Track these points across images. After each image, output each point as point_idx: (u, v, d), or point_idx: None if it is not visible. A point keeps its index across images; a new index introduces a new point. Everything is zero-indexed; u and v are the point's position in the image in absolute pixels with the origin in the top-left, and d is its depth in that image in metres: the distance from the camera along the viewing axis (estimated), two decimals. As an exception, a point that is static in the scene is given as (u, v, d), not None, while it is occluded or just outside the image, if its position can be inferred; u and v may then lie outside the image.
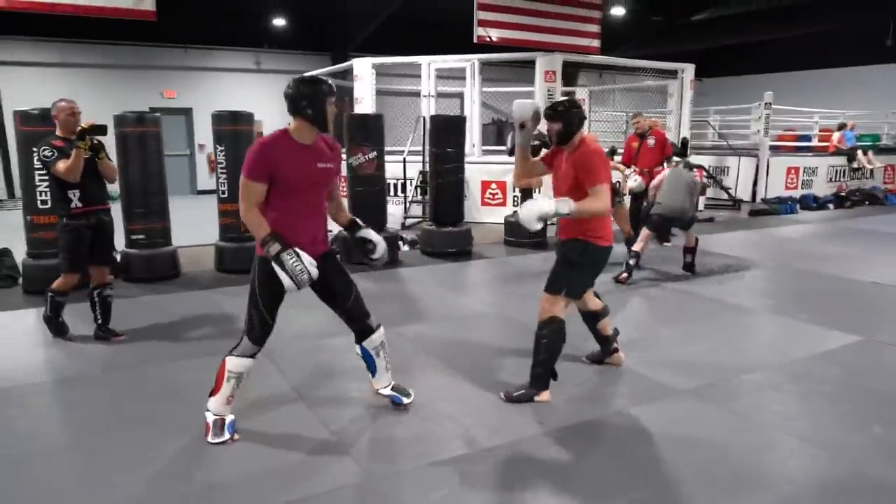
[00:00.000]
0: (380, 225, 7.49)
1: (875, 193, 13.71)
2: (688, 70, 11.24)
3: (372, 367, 3.58)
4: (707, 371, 4.19)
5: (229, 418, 3.28)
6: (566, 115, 3.69)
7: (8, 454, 3.14)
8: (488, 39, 9.81)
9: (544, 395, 3.72)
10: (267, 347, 4.56)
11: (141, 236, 6.60)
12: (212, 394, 3.29)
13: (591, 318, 4.14)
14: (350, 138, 7.46)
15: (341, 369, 4.23)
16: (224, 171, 6.92)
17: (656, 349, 4.64)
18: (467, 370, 4.20)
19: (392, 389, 3.64)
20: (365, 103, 10.92)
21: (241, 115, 6.99)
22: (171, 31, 14.55)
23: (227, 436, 3.23)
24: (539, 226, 3.55)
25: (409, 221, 9.98)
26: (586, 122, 11.47)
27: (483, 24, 9.70)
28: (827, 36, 16.33)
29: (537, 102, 3.92)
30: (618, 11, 14.63)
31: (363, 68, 10.92)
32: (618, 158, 8.53)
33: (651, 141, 8.36)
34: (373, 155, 7.31)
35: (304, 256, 2.95)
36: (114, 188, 8.99)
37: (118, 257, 6.63)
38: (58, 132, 4.54)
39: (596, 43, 10.64)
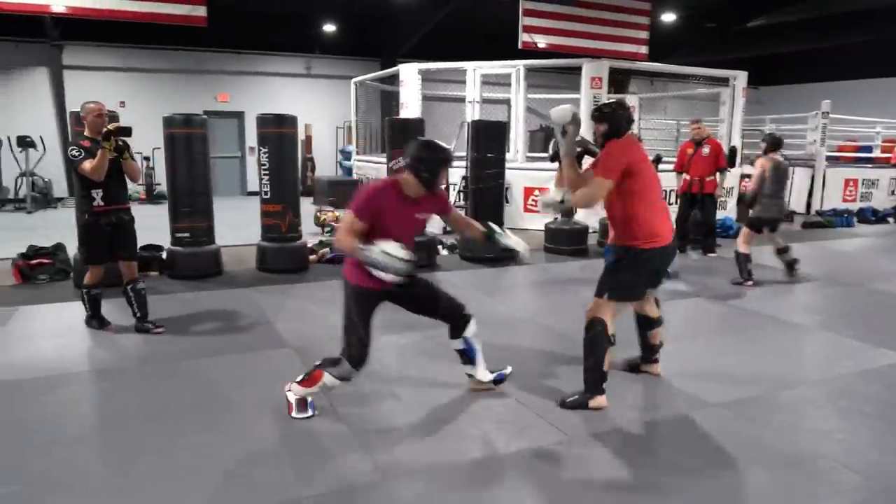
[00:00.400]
0: (418, 229, 7.51)
1: (940, 208, 13.10)
2: (740, 77, 10.96)
3: (473, 357, 3.73)
4: (744, 385, 4.05)
5: (310, 398, 3.51)
6: (612, 116, 3.66)
7: (35, 439, 3.27)
8: (534, 45, 9.75)
9: (599, 401, 3.61)
10: (299, 344, 4.67)
11: (186, 234, 6.78)
12: (300, 382, 3.46)
13: (645, 324, 4.05)
14: (391, 142, 7.52)
15: (368, 370, 4.25)
16: (267, 172, 7.06)
17: (693, 360, 4.52)
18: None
19: (492, 372, 3.81)
20: (410, 108, 11.01)
21: (286, 118, 7.12)
22: (225, 36, 14.95)
23: (310, 412, 3.48)
24: (549, 211, 3.70)
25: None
26: (637, 129, 11.29)
27: (528, 30, 9.65)
28: (890, 43, 15.69)
29: (574, 107, 3.87)
30: (669, 17, 14.36)
31: (409, 74, 11.02)
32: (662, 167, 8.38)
33: (706, 149, 8.22)
34: (413, 159, 7.33)
35: (391, 247, 3.04)
36: (161, 189, 9.22)
37: (164, 255, 6.88)
38: (86, 132, 4.73)
39: (644, 49, 10.47)
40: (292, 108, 17.04)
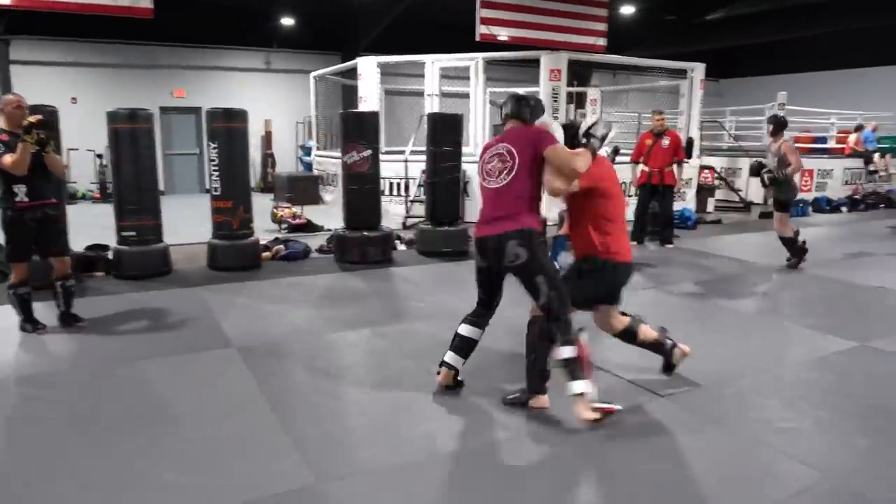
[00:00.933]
0: (374, 224, 7.41)
1: (891, 197, 13.35)
2: (697, 69, 11.01)
3: (470, 353, 3.70)
4: (693, 376, 4.00)
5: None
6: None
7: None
8: (492, 37, 9.69)
9: (541, 400, 3.49)
10: (244, 344, 4.53)
11: (132, 233, 6.56)
12: (582, 378, 3.21)
13: (629, 336, 3.85)
14: (344, 135, 7.39)
15: (312, 369, 4.14)
16: (217, 168, 6.87)
17: (645, 352, 4.48)
18: (441, 371, 4.07)
19: None
20: (370, 101, 10.86)
21: (235, 112, 6.93)
22: (181, 30, 14.63)
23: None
24: None
25: (410, 221, 9.88)
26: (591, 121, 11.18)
27: (486, 21, 9.59)
28: (846, 35, 16.00)
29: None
30: (628, 10, 14.39)
31: (367, 67, 10.88)
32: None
33: (666, 141, 8.26)
34: (367, 153, 7.22)
35: None
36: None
37: (110, 254, 6.66)
38: (4, 126, 4.52)
39: (602, 41, 10.48)
40: (252, 104, 16.63)
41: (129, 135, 6.50)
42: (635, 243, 8.56)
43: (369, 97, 10.86)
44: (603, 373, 4.06)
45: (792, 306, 5.83)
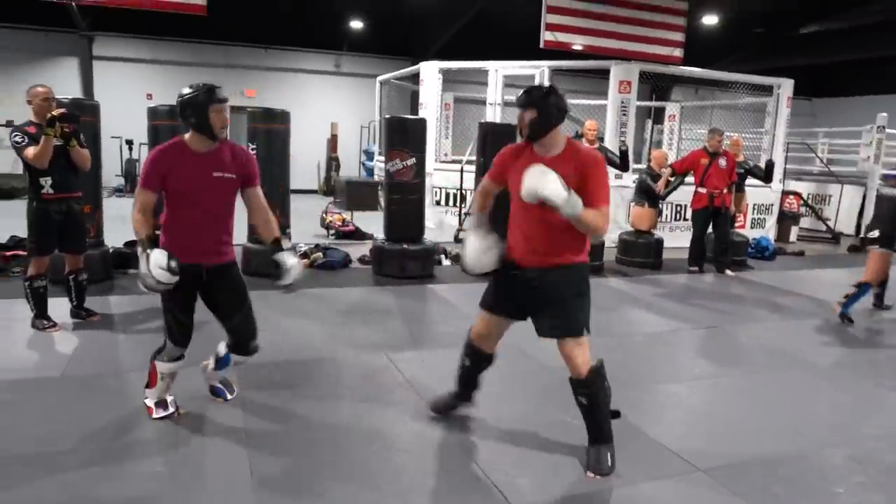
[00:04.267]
0: (415, 237, 7.00)
1: None
2: (784, 85, 10.12)
3: (222, 366, 3.54)
4: (740, 448, 3.37)
5: (170, 398, 3.38)
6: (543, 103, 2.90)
7: None
8: (557, 44, 9.14)
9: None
10: (238, 360, 4.14)
11: (165, 232, 6.41)
12: (148, 386, 3.35)
13: (486, 363, 3.36)
14: (388, 142, 7.04)
15: (297, 397, 3.75)
16: (254, 170, 6.64)
17: (688, 408, 3.89)
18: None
19: (220, 382, 3.65)
20: (429, 108, 10.51)
21: (276, 113, 6.74)
22: (253, 31, 14.77)
23: (171, 409, 3.35)
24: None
25: (463, 234, 9.44)
26: (675, 139, 10.76)
27: (552, 28, 9.06)
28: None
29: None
30: (710, 20, 13.44)
31: (429, 72, 10.55)
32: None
33: (723, 161, 7.65)
34: (412, 161, 6.83)
35: (153, 261, 2.87)
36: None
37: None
38: (32, 118, 4.51)
39: (678, 52, 9.75)
40: (320, 106, 16.67)
41: (170, 131, 6.34)
42: (696, 269, 7.88)
43: (430, 103, 10.51)
44: (637, 437, 3.48)
45: (880, 364, 5.01)
